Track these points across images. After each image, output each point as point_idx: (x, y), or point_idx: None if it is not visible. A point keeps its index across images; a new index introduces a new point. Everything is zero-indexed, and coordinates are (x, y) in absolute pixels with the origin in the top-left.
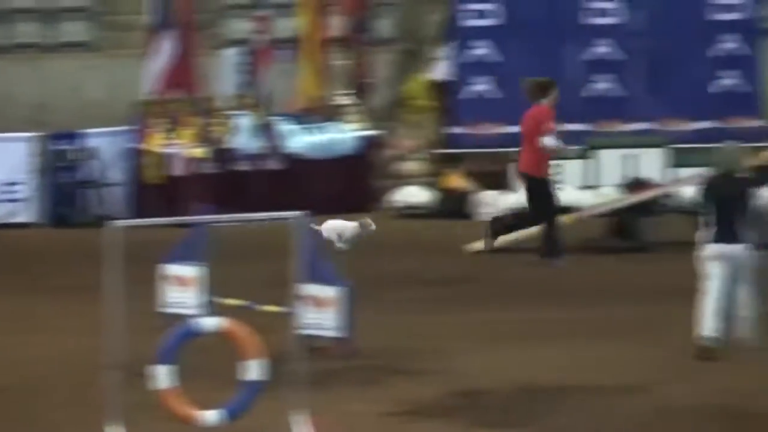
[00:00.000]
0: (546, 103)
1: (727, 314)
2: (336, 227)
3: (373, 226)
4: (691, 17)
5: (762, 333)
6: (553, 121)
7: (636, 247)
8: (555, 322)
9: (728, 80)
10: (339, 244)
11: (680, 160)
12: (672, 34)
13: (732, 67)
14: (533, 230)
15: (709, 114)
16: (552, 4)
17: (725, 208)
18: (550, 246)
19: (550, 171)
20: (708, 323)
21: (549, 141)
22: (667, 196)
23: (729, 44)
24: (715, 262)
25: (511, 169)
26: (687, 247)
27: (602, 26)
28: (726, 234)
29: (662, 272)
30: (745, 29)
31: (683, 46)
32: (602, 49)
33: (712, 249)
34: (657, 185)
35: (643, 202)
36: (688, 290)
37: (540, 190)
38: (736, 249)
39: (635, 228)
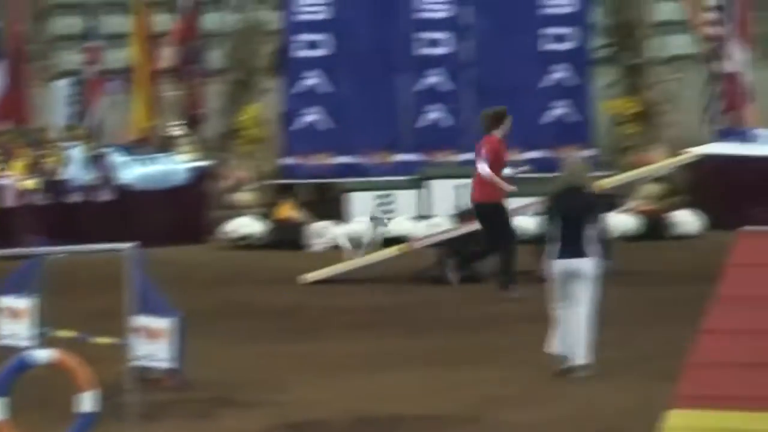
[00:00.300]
0: (497, 133)
1: (572, 331)
2: (349, 233)
3: (386, 220)
4: (523, 48)
5: (598, 353)
6: (505, 150)
7: (469, 277)
8: (391, 352)
9: (560, 110)
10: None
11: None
12: (504, 64)
13: (563, 96)
14: (361, 260)
15: (541, 144)
16: (383, 35)
17: (571, 222)
18: (506, 275)
19: (504, 197)
20: (558, 342)
21: (482, 168)
22: None
23: (560, 74)
24: (562, 277)
25: (345, 199)
26: (520, 276)
27: (434, 57)
28: (572, 248)
29: (495, 301)
30: (576, 59)
31: (515, 76)
32: (434, 79)
33: (558, 264)
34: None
35: (475, 232)
36: (521, 318)
37: (495, 216)
38: (582, 263)
39: (473, 258)
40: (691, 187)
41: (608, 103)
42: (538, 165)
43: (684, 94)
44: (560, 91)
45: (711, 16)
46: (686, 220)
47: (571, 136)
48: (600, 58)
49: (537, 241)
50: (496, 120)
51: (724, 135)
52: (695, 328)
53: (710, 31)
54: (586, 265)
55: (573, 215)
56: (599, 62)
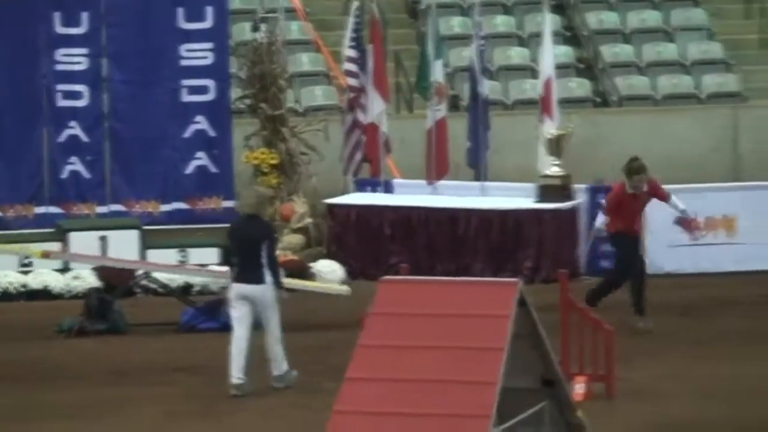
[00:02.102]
0: (626, 183)
1: (248, 353)
2: None
3: None
4: (162, 99)
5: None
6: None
7: (112, 329)
8: (29, 405)
9: (200, 161)
10: None
11: (153, 241)
12: (143, 116)
13: (203, 148)
14: None
15: (180, 195)
16: (22, 87)
17: (248, 249)
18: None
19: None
20: (234, 370)
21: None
22: (143, 277)
23: (200, 126)
24: (239, 303)
25: None
26: (165, 327)
27: (74, 108)
28: (249, 274)
29: (140, 352)
30: (215, 111)
31: (154, 128)
32: (74, 131)
33: (235, 289)
34: (130, 267)
35: (117, 284)
36: (165, 369)
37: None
38: (257, 289)
39: (110, 310)
40: (332, 237)
41: (248, 154)
42: (177, 216)
43: (325, 144)
44: (200, 142)
45: (349, 67)
46: (327, 270)
47: (211, 188)
48: (239, 109)
49: (180, 292)
50: (627, 171)
51: (363, 185)
52: (339, 376)
53: (349, 81)
54: (263, 291)
55: (249, 242)
56: (238, 113)
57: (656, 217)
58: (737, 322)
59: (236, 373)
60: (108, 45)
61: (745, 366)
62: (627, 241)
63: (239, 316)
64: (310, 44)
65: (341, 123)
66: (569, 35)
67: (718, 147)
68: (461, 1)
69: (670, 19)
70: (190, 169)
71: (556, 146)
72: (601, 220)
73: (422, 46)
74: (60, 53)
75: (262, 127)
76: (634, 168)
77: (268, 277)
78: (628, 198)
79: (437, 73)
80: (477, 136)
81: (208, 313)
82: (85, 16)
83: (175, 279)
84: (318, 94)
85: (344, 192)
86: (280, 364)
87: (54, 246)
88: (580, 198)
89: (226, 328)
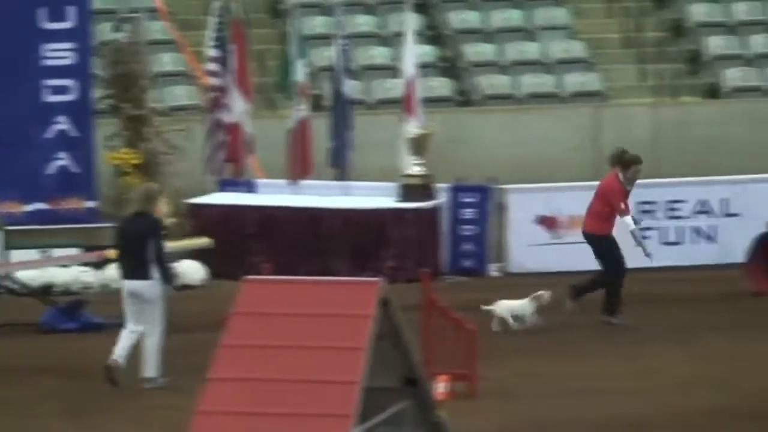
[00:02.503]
0: (619, 175)
1: (133, 347)
2: (511, 307)
3: (547, 296)
4: (23, 99)
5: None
6: (624, 198)
7: None
8: None
9: (62, 162)
10: (514, 324)
11: (15, 242)
12: (6, 115)
13: (65, 148)
14: None
15: (42, 196)
16: None
17: (134, 245)
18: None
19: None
20: (117, 350)
21: (629, 221)
22: (4, 277)
23: (61, 126)
24: (129, 299)
25: None
26: (25, 328)
27: None
28: (136, 271)
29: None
30: (77, 111)
31: (15, 128)
32: None
33: (124, 286)
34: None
35: None
36: (26, 370)
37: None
38: (143, 285)
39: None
40: (194, 236)
41: (110, 154)
42: (39, 217)
43: (187, 144)
44: (62, 142)
45: (211, 66)
46: (189, 269)
47: (73, 188)
48: (101, 110)
49: (41, 292)
50: (623, 162)
51: (226, 185)
52: (202, 376)
53: (211, 81)
54: (149, 287)
55: (136, 239)
56: (100, 113)
57: (518, 216)
58: (597, 321)
59: (118, 354)
60: None
61: (605, 365)
62: (610, 241)
63: (131, 314)
64: (173, 44)
65: (204, 123)
66: (432, 35)
67: (579, 146)
68: (323, 1)
69: (532, 18)
70: (51, 169)
71: (418, 146)
72: (631, 221)
73: (285, 46)
74: None
75: (124, 127)
76: (632, 158)
77: (154, 273)
78: (623, 191)
79: (299, 72)
80: (339, 136)
81: (68, 313)
82: None
83: (36, 279)
84: (180, 94)
85: (207, 192)
86: (153, 365)
87: None
88: (442, 197)
89: (86, 328)
